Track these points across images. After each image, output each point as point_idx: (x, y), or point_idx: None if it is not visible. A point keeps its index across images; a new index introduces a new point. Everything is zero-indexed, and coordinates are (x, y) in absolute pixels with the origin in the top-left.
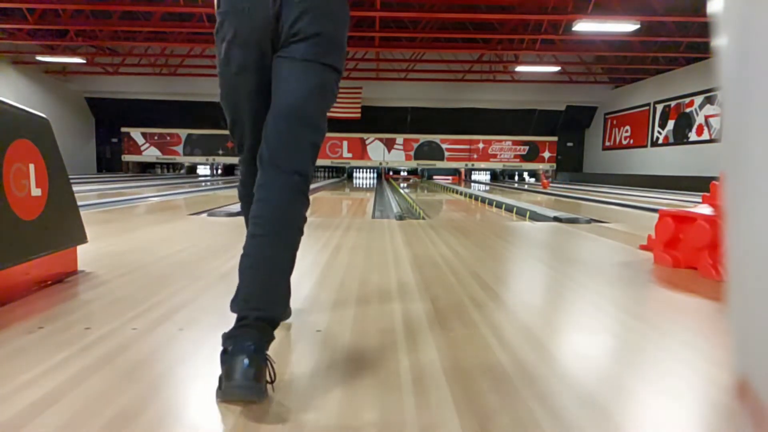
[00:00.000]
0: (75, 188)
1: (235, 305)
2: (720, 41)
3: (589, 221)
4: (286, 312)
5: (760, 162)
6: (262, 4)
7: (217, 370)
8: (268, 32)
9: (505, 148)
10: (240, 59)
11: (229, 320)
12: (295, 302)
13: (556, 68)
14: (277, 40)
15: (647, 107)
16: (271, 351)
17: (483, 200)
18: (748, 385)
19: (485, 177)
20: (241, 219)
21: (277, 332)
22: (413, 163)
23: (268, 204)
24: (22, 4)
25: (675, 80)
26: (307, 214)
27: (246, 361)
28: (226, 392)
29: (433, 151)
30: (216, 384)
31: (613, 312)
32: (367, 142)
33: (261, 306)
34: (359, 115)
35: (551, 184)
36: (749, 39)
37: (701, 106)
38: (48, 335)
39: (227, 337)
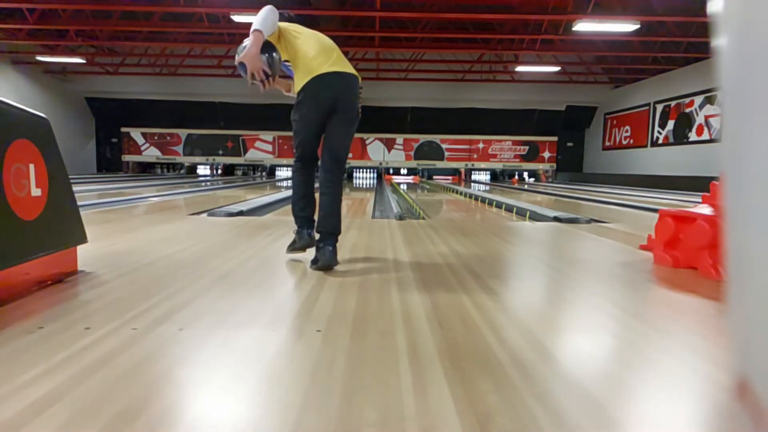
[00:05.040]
0: (75, 188)
1: (321, 227)
2: (720, 41)
3: (589, 221)
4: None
5: (760, 162)
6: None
7: (217, 370)
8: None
9: (505, 148)
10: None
11: (229, 320)
12: (295, 301)
13: (556, 68)
14: (332, 110)
15: (647, 107)
16: (272, 350)
17: (483, 200)
18: (748, 385)
19: (485, 177)
20: (240, 219)
21: (277, 332)
22: (413, 163)
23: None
24: (22, 4)
25: (675, 80)
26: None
27: (330, 249)
28: (320, 264)
29: (433, 151)
30: None
31: (613, 312)
32: (367, 142)
33: (335, 227)
34: (359, 115)
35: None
36: (749, 39)
37: (701, 106)
38: (48, 335)
39: (321, 239)
